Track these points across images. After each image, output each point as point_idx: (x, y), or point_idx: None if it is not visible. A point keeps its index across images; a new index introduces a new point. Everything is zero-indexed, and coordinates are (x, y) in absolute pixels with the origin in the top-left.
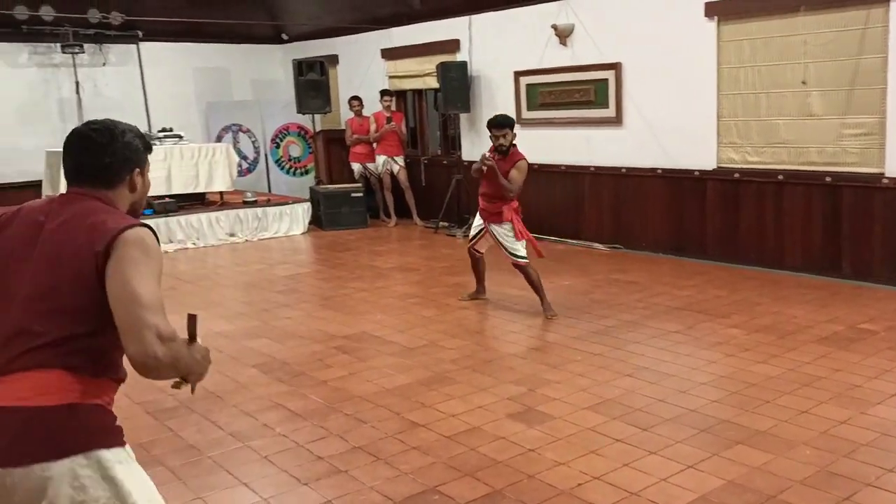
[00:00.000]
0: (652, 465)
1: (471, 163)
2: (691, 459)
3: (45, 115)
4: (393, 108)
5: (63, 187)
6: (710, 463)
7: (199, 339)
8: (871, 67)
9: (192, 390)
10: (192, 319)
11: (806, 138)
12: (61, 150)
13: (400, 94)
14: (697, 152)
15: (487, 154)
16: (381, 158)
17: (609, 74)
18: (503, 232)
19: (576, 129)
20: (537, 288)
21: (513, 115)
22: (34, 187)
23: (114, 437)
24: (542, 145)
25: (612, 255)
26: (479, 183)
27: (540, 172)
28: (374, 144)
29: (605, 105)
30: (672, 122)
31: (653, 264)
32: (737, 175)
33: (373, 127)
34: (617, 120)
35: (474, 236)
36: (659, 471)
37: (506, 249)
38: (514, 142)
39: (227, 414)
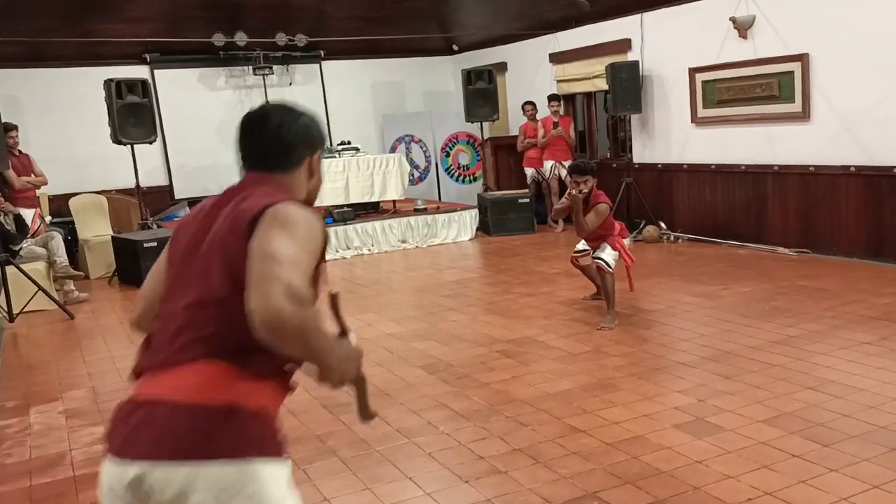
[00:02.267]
0: (832, 483)
1: (643, 165)
2: (878, 479)
3: None
4: (561, 112)
5: None
6: None
7: (351, 335)
8: None
9: (361, 403)
10: (334, 300)
11: None
12: None
13: (569, 98)
14: None
15: (575, 192)
16: (548, 164)
17: (794, 66)
18: (602, 247)
19: (757, 125)
20: (608, 295)
21: (687, 113)
22: None
23: (273, 449)
24: (719, 144)
25: (799, 260)
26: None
27: (718, 173)
28: (543, 150)
29: (790, 99)
30: (868, 115)
31: (846, 270)
32: None
33: (540, 132)
34: (803, 115)
35: (579, 251)
36: (839, 489)
37: (594, 253)
38: (593, 187)
39: (396, 411)
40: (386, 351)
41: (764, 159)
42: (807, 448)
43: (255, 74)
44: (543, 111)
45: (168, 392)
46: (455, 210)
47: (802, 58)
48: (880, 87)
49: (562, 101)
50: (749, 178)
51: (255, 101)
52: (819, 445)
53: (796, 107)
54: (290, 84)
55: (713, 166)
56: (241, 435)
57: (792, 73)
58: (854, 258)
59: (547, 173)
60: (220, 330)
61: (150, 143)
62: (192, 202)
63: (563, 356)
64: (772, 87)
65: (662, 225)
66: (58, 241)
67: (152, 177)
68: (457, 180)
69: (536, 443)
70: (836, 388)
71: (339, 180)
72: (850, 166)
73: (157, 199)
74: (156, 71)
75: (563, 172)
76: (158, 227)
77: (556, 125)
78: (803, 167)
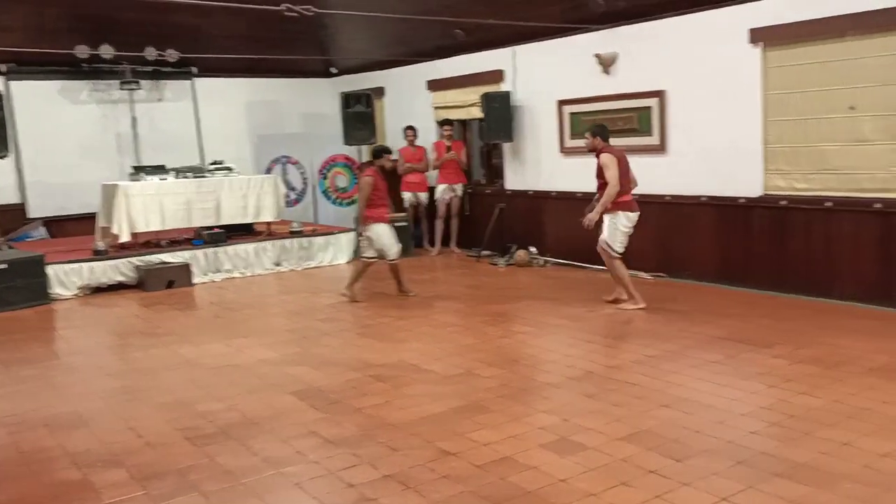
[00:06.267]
0: (685, 497)
1: (515, 192)
2: (726, 492)
3: (104, 149)
4: (454, 136)
5: (126, 224)
6: (746, 495)
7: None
8: None
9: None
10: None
11: (856, 164)
12: (117, 183)
13: (446, 124)
14: (743, 180)
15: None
16: (441, 187)
17: (653, 102)
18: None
19: None
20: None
21: (556, 143)
22: (92, 219)
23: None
24: (584, 173)
25: (655, 284)
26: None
27: (584, 201)
28: (437, 173)
29: (648, 133)
30: (717, 150)
31: (698, 293)
32: (784, 202)
33: (433, 155)
34: (661, 147)
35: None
36: (692, 503)
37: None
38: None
39: (263, 440)
40: (256, 378)
41: None
42: (662, 463)
43: (122, 89)
44: (424, 136)
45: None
46: (332, 233)
47: (660, 94)
48: (729, 124)
49: (454, 126)
50: None
51: (120, 116)
52: (673, 461)
53: (654, 140)
54: (160, 100)
55: (579, 194)
56: None
57: (650, 108)
58: (705, 282)
59: (440, 196)
60: None
61: (2, 158)
62: (48, 221)
63: (436, 379)
64: (632, 121)
65: (533, 249)
66: None
67: (3, 194)
68: (334, 203)
69: (407, 468)
70: (689, 405)
71: (209, 201)
72: (701, 196)
73: (9, 218)
74: (11, 82)
75: (452, 195)
76: (10, 248)
77: (448, 149)
78: (660, 196)
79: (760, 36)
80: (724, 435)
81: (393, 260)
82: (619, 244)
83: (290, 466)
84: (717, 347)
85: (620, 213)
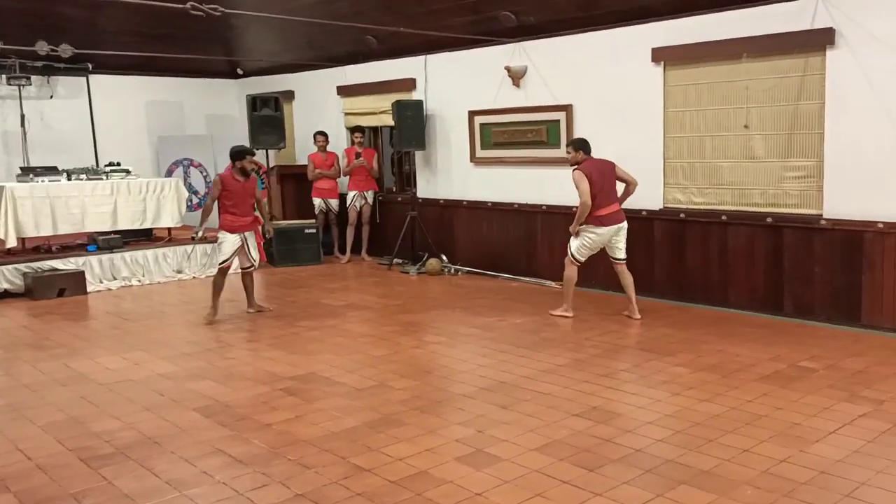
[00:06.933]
0: None
1: (427, 200)
2: (636, 501)
3: None
4: (365, 143)
5: (13, 228)
6: None
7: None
8: (810, 112)
9: None
10: None
11: (748, 180)
12: (3, 184)
13: (357, 131)
14: (645, 193)
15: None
16: (351, 193)
17: (560, 116)
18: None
19: (528, 168)
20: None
21: (467, 153)
22: None
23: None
24: (495, 184)
25: (562, 293)
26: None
27: (494, 210)
28: (347, 179)
29: (556, 145)
30: (622, 163)
31: (602, 302)
32: (682, 215)
33: (343, 162)
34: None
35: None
36: None
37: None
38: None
39: (165, 461)
40: (156, 393)
41: (534, 199)
42: (575, 474)
43: (10, 84)
44: (335, 142)
45: (618, 209)
46: None
47: (567, 108)
48: (632, 139)
49: (365, 133)
50: (521, 216)
51: (7, 113)
52: (585, 470)
53: (562, 152)
54: (51, 97)
55: (490, 204)
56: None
57: (558, 121)
58: (609, 291)
59: (350, 203)
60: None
61: None
62: None
63: (349, 392)
64: (541, 133)
65: (444, 258)
66: None
67: None
68: None
69: (320, 486)
70: (599, 414)
71: (105, 204)
72: None
73: None
74: None
75: (362, 202)
76: None
77: (358, 156)
78: (567, 208)
79: (662, 55)
80: (632, 444)
81: (220, 265)
82: (578, 252)
83: (195, 488)
84: (623, 356)
85: (590, 226)
